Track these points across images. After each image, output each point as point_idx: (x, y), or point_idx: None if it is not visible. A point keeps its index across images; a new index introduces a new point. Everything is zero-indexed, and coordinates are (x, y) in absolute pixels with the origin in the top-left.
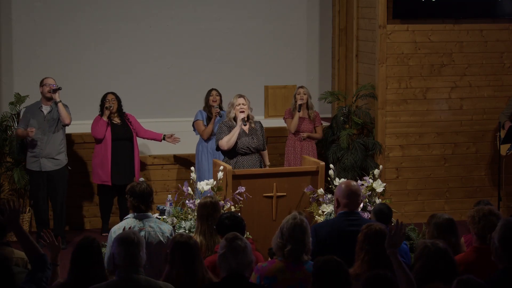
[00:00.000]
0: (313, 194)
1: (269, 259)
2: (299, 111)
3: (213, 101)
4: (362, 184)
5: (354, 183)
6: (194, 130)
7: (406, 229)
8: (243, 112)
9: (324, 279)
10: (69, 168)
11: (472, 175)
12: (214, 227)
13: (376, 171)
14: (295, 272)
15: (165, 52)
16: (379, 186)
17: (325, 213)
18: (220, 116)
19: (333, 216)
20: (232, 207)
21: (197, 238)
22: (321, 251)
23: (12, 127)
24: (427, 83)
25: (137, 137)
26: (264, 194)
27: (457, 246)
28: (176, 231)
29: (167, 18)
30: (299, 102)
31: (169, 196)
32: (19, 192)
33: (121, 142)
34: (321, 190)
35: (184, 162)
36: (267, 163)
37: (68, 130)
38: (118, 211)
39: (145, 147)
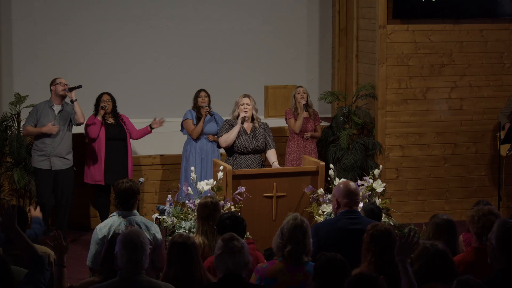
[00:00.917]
0: (313, 194)
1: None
2: (306, 111)
3: (202, 102)
4: (362, 184)
5: (351, 182)
6: (182, 129)
7: (416, 238)
8: (246, 111)
9: (326, 275)
10: (75, 169)
11: (472, 175)
12: (215, 227)
13: (376, 171)
14: (295, 273)
15: (165, 52)
16: (379, 186)
17: (325, 213)
18: (211, 115)
19: (332, 216)
20: (232, 207)
21: (199, 239)
22: (322, 250)
23: (12, 127)
24: (427, 83)
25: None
26: (264, 194)
27: (455, 247)
28: (176, 231)
29: (167, 18)
30: (303, 102)
31: (169, 196)
32: (19, 192)
33: (115, 142)
34: (321, 190)
35: None
36: (274, 160)
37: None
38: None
39: (146, 147)
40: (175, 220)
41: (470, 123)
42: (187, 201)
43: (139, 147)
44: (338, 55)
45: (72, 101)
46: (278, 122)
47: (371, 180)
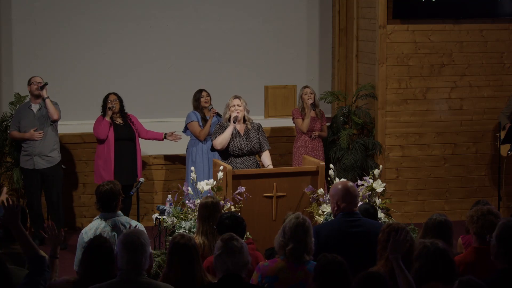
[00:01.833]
0: (313, 194)
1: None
2: (314, 110)
3: (205, 102)
4: (362, 184)
5: (350, 183)
6: (185, 131)
7: (407, 234)
8: (238, 112)
9: (326, 277)
10: (63, 166)
11: (472, 175)
12: (215, 227)
13: (376, 171)
14: (296, 271)
15: (165, 52)
16: (379, 186)
17: (325, 213)
18: (220, 116)
19: (332, 217)
20: (232, 207)
21: (199, 239)
22: (323, 252)
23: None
24: (427, 83)
25: (139, 138)
26: (264, 194)
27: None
28: (176, 231)
29: (167, 18)
30: (310, 101)
31: (169, 196)
32: (18, 192)
33: (124, 142)
34: (321, 190)
35: (184, 162)
36: (268, 163)
37: (68, 130)
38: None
39: (146, 147)
40: (175, 220)
41: (470, 123)
42: (187, 201)
43: (146, 147)
44: (338, 55)
45: (43, 99)
46: (278, 122)
47: (371, 180)
